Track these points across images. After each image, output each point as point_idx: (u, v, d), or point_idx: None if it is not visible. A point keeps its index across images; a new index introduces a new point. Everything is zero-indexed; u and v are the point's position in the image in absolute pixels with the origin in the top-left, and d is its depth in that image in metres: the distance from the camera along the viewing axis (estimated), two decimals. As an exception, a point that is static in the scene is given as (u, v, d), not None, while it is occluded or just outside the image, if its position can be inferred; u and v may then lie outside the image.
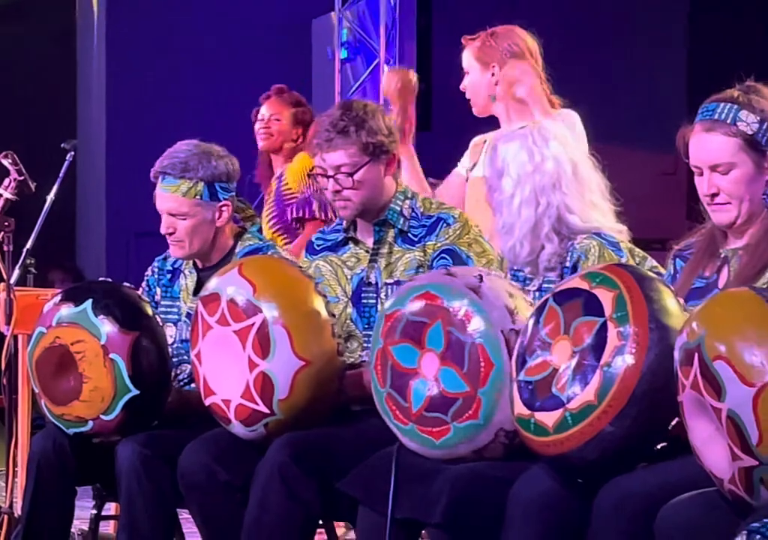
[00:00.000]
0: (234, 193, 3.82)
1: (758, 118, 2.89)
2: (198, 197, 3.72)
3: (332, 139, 3.58)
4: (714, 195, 2.93)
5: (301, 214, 5.15)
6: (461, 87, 4.40)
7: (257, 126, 5.50)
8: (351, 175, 3.57)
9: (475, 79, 4.35)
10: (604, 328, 2.75)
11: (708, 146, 2.92)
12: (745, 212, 2.92)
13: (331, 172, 3.59)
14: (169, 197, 3.72)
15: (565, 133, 3.45)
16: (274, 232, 5.29)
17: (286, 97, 5.54)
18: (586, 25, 9.83)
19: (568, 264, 3.29)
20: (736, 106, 2.90)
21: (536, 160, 3.32)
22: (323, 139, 3.59)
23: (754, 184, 2.91)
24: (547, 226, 3.30)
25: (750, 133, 2.89)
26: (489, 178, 3.41)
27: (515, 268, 3.42)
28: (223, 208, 3.76)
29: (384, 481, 3.07)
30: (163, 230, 3.76)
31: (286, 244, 5.21)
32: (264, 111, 5.50)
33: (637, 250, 3.35)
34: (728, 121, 2.90)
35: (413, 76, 4.50)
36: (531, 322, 2.92)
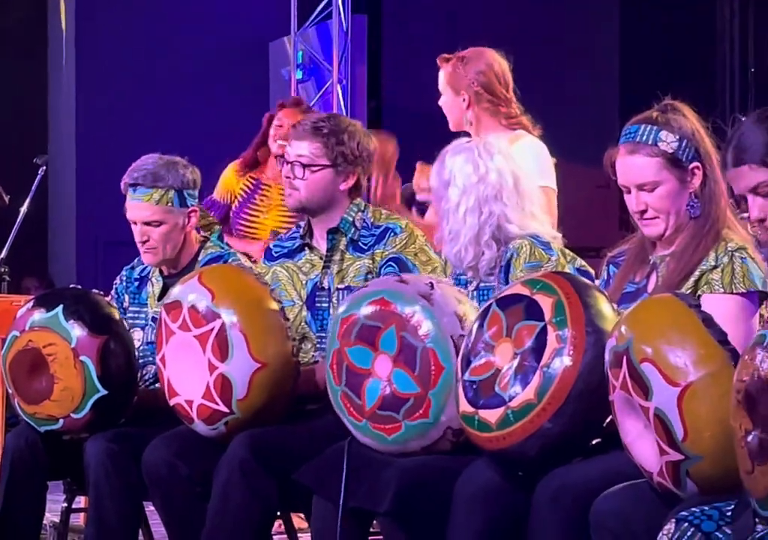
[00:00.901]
0: (197, 200, 3.84)
1: (677, 136, 2.91)
2: (170, 204, 3.73)
3: (305, 131, 3.62)
4: (643, 211, 2.95)
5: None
6: (439, 103, 4.43)
7: (275, 132, 5.42)
8: (305, 167, 3.59)
9: (449, 101, 4.38)
10: (543, 331, 2.76)
11: (633, 167, 2.93)
12: (672, 224, 2.94)
13: (290, 159, 3.62)
14: (143, 206, 3.72)
15: (508, 149, 3.48)
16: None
17: (305, 109, 5.54)
18: (527, 53, 9.91)
19: (502, 263, 3.33)
20: (655, 128, 2.91)
21: (481, 171, 3.36)
22: (298, 129, 3.64)
23: (679, 198, 2.93)
24: (488, 233, 3.34)
25: (671, 151, 2.91)
26: (436, 188, 3.43)
27: (458, 272, 3.45)
28: (191, 214, 3.78)
29: (336, 472, 3.08)
30: (137, 239, 3.75)
31: None
32: (284, 119, 5.41)
33: (567, 250, 3.37)
34: (649, 143, 2.91)
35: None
36: (475, 325, 2.93)
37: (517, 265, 3.30)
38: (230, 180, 5.46)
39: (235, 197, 5.44)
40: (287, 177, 3.63)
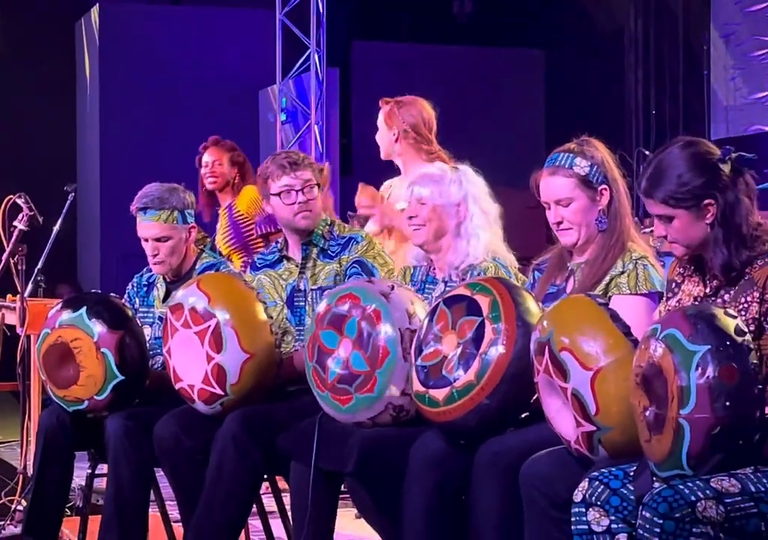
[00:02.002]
0: (195, 218, 3.83)
1: (589, 162, 2.92)
2: (174, 222, 3.71)
3: (297, 162, 3.57)
4: (559, 222, 2.96)
5: (268, 230, 5.04)
6: (376, 136, 4.47)
7: (203, 171, 5.35)
8: (313, 188, 3.58)
9: (383, 134, 4.43)
10: (482, 325, 2.77)
11: (552, 186, 2.95)
12: (584, 235, 2.95)
13: (299, 186, 3.56)
14: (153, 225, 3.70)
15: (475, 176, 3.49)
16: (232, 251, 5.24)
17: (223, 144, 5.42)
18: (474, 99, 10.01)
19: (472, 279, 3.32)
20: (572, 155, 2.93)
21: (460, 195, 3.37)
22: (287, 162, 3.57)
23: (589, 213, 2.94)
24: (492, 245, 3.35)
25: (583, 174, 2.92)
26: (443, 204, 3.38)
27: (428, 278, 3.43)
28: (191, 230, 3.77)
29: (309, 441, 3.07)
30: (149, 253, 3.73)
31: (242, 258, 5.16)
32: (207, 158, 5.35)
33: (521, 275, 3.34)
34: (566, 166, 2.93)
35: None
36: (426, 320, 2.92)
37: (468, 280, 3.27)
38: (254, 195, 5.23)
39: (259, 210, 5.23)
40: (303, 202, 3.56)
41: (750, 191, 2.55)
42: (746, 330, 2.22)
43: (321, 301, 3.23)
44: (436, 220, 3.36)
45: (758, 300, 2.45)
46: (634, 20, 9.77)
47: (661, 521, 2.12)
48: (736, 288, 2.51)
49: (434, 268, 3.44)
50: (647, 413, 2.26)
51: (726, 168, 2.50)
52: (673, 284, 2.68)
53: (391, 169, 4.55)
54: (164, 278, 3.84)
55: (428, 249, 3.42)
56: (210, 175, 5.34)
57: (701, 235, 2.52)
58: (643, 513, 2.16)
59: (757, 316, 2.44)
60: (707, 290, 2.58)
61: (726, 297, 2.53)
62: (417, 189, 3.40)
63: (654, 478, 2.25)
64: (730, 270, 2.51)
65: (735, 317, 2.23)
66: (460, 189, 3.38)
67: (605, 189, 2.93)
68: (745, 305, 2.46)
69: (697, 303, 2.55)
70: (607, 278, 2.89)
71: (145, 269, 3.91)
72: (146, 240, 3.73)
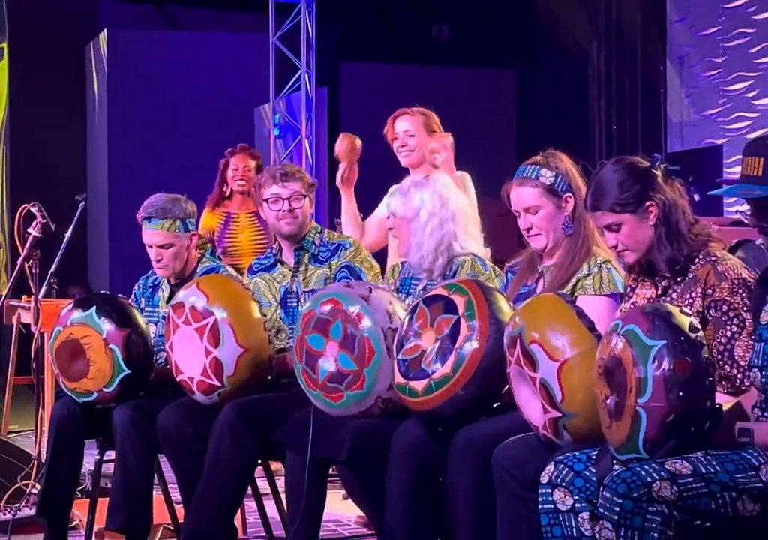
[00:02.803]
0: (195, 227, 3.82)
1: (554, 173, 2.93)
2: (177, 231, 3.69)
3: (288, 174, 3.57)
4: (529, 229, 2.96)
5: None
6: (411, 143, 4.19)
7: (232, 174, 5.33)
8: (301, 198, 3.57)
9: (423, 139, 4.15)
10: (458, 322, 2.76)
11: (521, 196, 2.95)
12: (552, 239, 2.95)
13: (287, 196, 3.56)
14: (157, 233, 3.69)
15: (453, 184, 3.49)
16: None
17: (252, 152, 5.45)
18: (452, 117, 9.99)
19: (449, 272, 3.31)
20: (538, 167, 2.94)
21: (444, 199, 3.36)
22: (279, 174, 3.57)
23: (555, 219, 2.94)
24: (444, 245, 3.33)
25: (548, 184, 2.92)
26: (404, 213, 3.37)
27: (403, 276, 3.43)
28: (192, 237, 3.76)
29: (305, 431, 3.05)
30: (153, 258, 3.72)
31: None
32: (237, 163, 5.33)
33: (496, 267, 3.35)
34: (533, 177, 2.93)
35: (358, 142, 4.42)
36: (407, 318, 2.92)
37: (461, 275, 3.28)
38: (206, 220, 5.34)
39: (214, 230, 5.33)
40: (289, 210, 3.55)
41: (682, 193, 2.61)
42: (699, 327, 2.23)
43: (304, 307, 3.20)
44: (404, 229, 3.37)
45: (701, 295, 2.50)
46: (596, 44, 9.84)
47: (620, 501, 2.12)
48: (682, 285, 2.55)
49: None
50: (608, 401, 2.26)
51: (659, 173, 2.56)
52: (629, 289, 2.72)
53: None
54: (168, 281, 3.83)
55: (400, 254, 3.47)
56: (240, 179, 5.33)
57: (647, 237, 2.56)
58: (604, 493, 2.16)
59: (700, 309, 2.48)
60: (658, 292, 2.62)
61: (674, 294, 2.57)
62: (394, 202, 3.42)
63: (614, 462, 2.25)
64: (674, 264, 2.56)
65: (689, 315, 2.25)
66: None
67: (570, 197, 2.93)
68: (690, 300, 2.50)
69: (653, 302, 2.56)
70: (574, 280, 2.89)
71: (150, 272, 3.90)
72: (150, 246, 3.72)
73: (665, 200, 2.55)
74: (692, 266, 2.55)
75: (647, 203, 2.55)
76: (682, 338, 2.17)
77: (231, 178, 5.36)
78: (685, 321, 2.21)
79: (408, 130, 4.19)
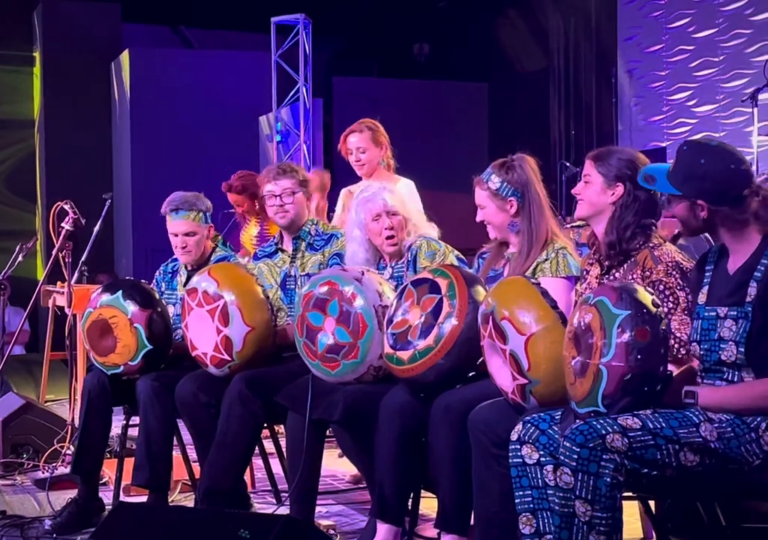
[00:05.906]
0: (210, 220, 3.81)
1: (501, 180, 2.91)
2: (200, 221, 3.69)
3: (284, 171, 3.55)
4: (482, 221, 2.99)
5: None
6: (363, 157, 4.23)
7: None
8: (291, 194, 3.54)
9: (375, 154, 4.21)
10: (441, 301, 2.76)
11: (475, 194, 2.97)
12: (498, 233, 2.98)
13: (278, 192, 3.54)
14: (184, 223, 3.67)
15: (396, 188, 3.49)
16: None
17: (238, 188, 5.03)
18: (433, 127, 10.03)
19: (410, 257, 3.31)
20: (492, 172, 2.93)
21: (398, 199, 3.35)
22: (273, 173, 3.56)
23: (498, 217, 2.93)
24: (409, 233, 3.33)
25: (494, 188, 2.92)
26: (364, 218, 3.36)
27: (380, 265, 3.42)
28: (210, 228, 3.75)
29: (304, 395, 3.05)
30: (178, 245, 3.70)
31: None
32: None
33: (448, 245, 3.34)
34: (484, 181, 2.93)
35: (327, 176, 4.37)
36: (396, 297, 2.92)
37: (421, 256, 3.28)
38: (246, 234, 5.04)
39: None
40: (280, 205, 3.52)
41: (654, 202, 2.63)
42: (660, 304, 2.23)
43: (303, 288, 3.19)
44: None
45: (641, 276, 2.51)
46: (557, 60, 9.88)
47: (578, 449, 2.13)
48: (625, 267, 2.58)
49: (383, 258, 3.42)
50: (574, 362, 2.26)
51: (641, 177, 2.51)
52: (584, 272, 2.75)
53: (357, 178, 4.47)
54: (186, 267, 3.81)
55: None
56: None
57: (602, 205, 2.62)
58: (564, 443, 2.16)
59: None
60: (602, 271, 2.64)
61: (617, 274, 2.59)
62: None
63: (576, 418, 2.25)
64: (611, 247, 2.60)
65: (652, 294, 2.25)
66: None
67: (513, 201, 2.91)
68: (631, 281, 2.50)
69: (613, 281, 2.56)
70: (534, 264, 2.88)
71: (170, 260, 3.88)
72: (176, 235, 3.70)
73: (634, 192, 2.59)
74: (633, 252, 2.58)
75: (618, 182, 2.61)
76: (645, 311, 2.17)
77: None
78: (648, 297, 2.21)
79: (360, 146, 4.24)
